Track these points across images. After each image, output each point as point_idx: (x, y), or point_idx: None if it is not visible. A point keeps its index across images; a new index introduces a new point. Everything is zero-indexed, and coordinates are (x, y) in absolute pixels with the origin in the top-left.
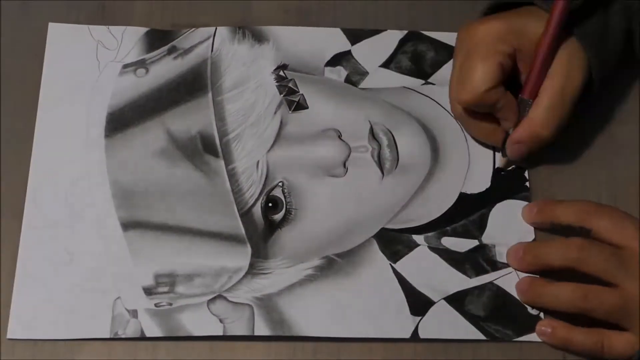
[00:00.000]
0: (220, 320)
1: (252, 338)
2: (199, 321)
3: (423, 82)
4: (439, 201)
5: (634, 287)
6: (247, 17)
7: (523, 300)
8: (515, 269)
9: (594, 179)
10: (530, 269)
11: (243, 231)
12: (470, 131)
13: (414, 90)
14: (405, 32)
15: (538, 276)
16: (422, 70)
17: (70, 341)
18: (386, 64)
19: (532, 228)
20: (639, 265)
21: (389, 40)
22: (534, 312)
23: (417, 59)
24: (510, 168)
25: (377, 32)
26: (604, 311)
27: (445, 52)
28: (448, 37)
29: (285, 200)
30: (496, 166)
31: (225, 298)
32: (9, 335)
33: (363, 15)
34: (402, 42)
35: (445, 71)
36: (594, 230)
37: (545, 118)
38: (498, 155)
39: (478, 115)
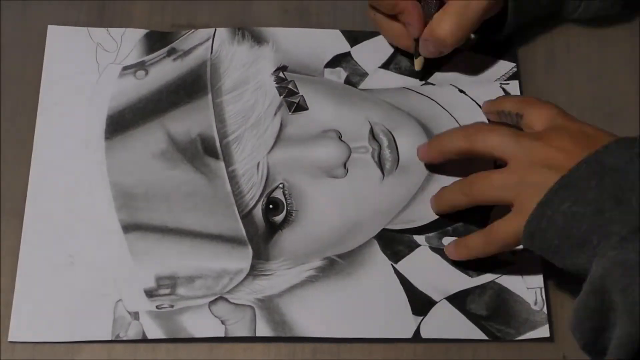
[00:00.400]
0: (222, 322)
1: (254, 339)
2: (201, 323)
3: (422, 82)
4: None
5: (521, 158)
6: (247, 17)
7: (433, 211)
8: (423, 161)
9: None
10: (435, 159)
11: (244, 233)
12: (383, 34)
13: (414, 90)
14: None
15: None
16: (421, 70)
17: (70, 342)
18: (386, 65)
19: None
20: (536, 138)
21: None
22: (536, 307)
23: None
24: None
25: (376, 33)
26: (490, 191)
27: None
28: None
29: (286, 202)
30: (415, 69)
31: (226, 299)
32: (10, 338)
33: (363, 16)
34: None
35: (445, 71)
36: (524, 117)
37: (447, 24)
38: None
39: (388, 17)
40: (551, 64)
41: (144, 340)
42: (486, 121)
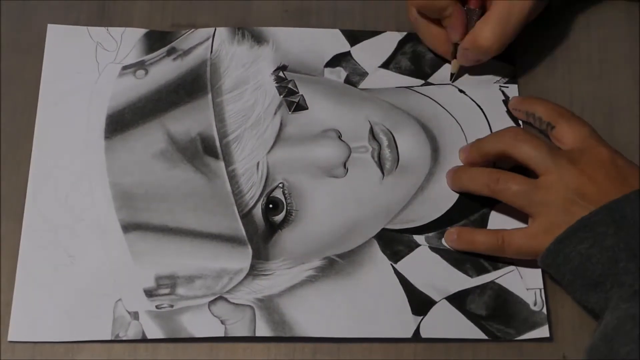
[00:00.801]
0: (222, 322)
1: (253, 339)
2: (200, 323)
3: (422, 82)
4: (439, 201)
5: (552, 176)
6: (247, 17)
7: (449, 184)
8: (464, 164)
9: None
10: (475, 161)
11: (244, 232)
12: (421, 37)
13: (414, 90)
14: (405, 33)
15: None
16: (421, 70)
17: (70, 343)
18: (386, 65)
19: None
20: (569, 159)
21: (388, 41)
22: (536, 308)
23: (417, 59)
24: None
25: (376, 33)
26: (511, 193)
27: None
28: None
29: (286, 202)
30: (450, 72)
31: (226, 299)
32: (10, 338)
33: (363, 16)
34: (402, 43)
35: (445, 71)
36: (555, 129)
37: (489, 32)
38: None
39: (430, 20)
40: (551, 64)
41: (144, 340)
42: (488, 119)
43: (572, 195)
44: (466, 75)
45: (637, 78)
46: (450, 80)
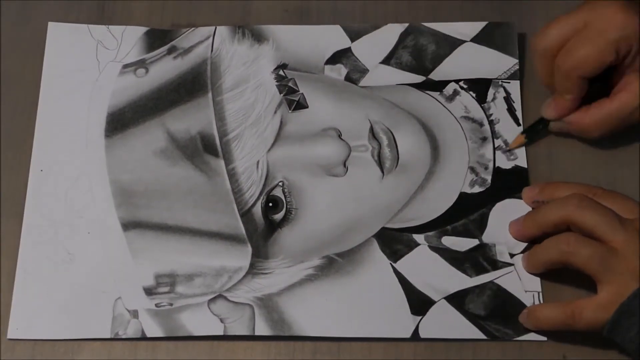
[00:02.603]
0: (221, 320)
1: (253, 338)
2: (200, 321)
3: (424, 78)
4: (439, 200)
5: (625, 243)
6: (247, 16)
7: (527, 268)
8: (517, 239)
9: (595, 178)
10: (530, 234)
11: (243, 231)
12: (539, 71)
13: (414, 88)
14: (406, 25)
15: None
16: (422, 65)
17: (70, 341)
18: (386, 60)
19: None
20: (636, 229)
21: (389, 34)
22: None
23: (418, 53)
24: (512, 158)
25: (377, 27)
26: (584, 258)
27: (446, 45)
28: (449, 28)
29: (286, 200)
30: (508, 147)
31: (225, 298)
32: (9, 336)
33: (363, 15)
34: (403, 36)
35: (446, 66)
36: None
37: (600, 124)
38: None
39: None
40: None
41: (144, 338)
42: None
43: None
44: (467, 69)
45: None
46: (504, 150)
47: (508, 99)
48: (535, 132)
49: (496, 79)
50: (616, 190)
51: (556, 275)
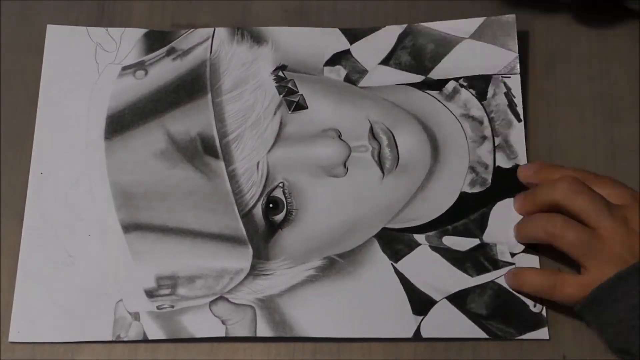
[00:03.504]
0: (223, 322)
1: (255, 339)
2: (201, 323)
3: (423, 77)
4: (439, 200)
5: (609, 230)
6: (247, 17)
7: (516, 237)
8: (519, 213)
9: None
10: (529, 210)
11: (244, 232)
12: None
13: (414, 87)
14: (404, 26)
15: None
16: (422, 65)
17: (71, 343)
18: (385, 61)
19: None
20: (624, 216)
21: (387, 36)
22: (536, 309)
23: (417, 53)
24: (512, 157)
25: (375, 29)
26: (569, 241)
27: (445, 43)
28: (448, 26)
29: (286, 201)
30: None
31: (227, 299)
32: (10, 339)
33: (363, 15)
34: (401, 37)
35: (446, 65)
36: None
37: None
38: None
39: None
40: (551, 64)
41: (145, 340)
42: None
43: (627, 254)
44: (466, 65)
45: (637, 78)
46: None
47: (508, 94)
48: None
49: (496, 74)
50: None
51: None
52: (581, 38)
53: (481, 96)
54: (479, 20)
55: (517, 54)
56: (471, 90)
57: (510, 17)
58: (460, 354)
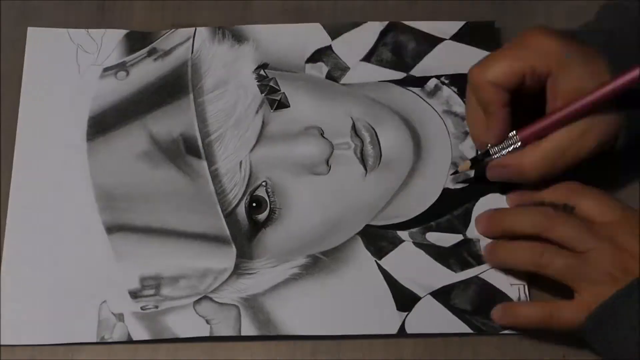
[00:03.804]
0: (207, 322)
1: (239, 338)
2: (186, 323)
3: (404, 74)
4: (422, 196)
5: (597, 252)
6: (247, 17)
7: (487, 261)
8: (483, 235)
9: (585, 174)
10: (497, 237)
11: (227, 232)
12: (466, 116)
13: (396, 84)
14: (386, 23)
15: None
16: (403, 62)
17: (64, 344)
18: (367, 58)
19: None
20: (610, 235)
21: (369, 32)
22: None
23: (398, 50)
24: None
25: (358, 24)
26: (557, 267)
27: (426, 42)
28: (429, 26)
29: (269, 200)
30: (453, 171)
31: (211, 299)
32: (3, 342)
33: (362, 16)
34: (383, 34)
35: (427, 63)
36: (577, 208)
37: (540, 159)
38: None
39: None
40: None
41: (129, 341)
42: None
43: (618, 272)
44: (449, 65)
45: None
46: (450, 174)
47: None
48: (478, 162)
49: None
50: (599, 182)
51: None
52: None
53: (463, 93)
54: (460, 24)
55: None
56: (453, 87)
57: (490, 22)
58: (460, 354)
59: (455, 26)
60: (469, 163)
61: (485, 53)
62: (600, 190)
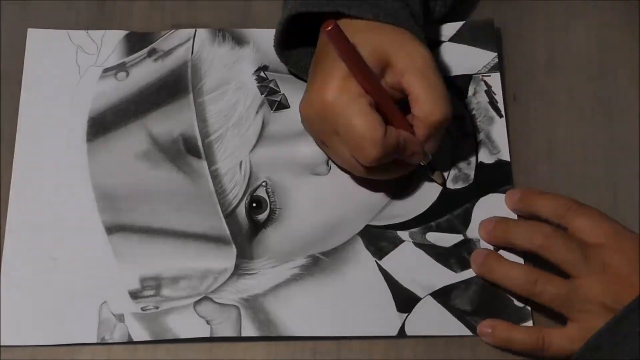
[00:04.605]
0: (207, 322)
1: (239, 339)
2: (186, 323)
3: None
4: (422, 196)
5: (589, 281)
6: (247, 17)
7: (475, 271)
8: (484, 240)
9: (582, 173)
10: (497, 244)
11: (228, 232)
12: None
13: None
14: None
15: (493, 250)
16: None
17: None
18: None
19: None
20: (603, 262)
21: None
22: (519, 304)
23: None
24: (495, 153)
25: None
26: (550, 296)
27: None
28: (427, 30)
29: (269, 200)
30: (440, 183)
31: (211, 299)
32: (3, 343)
33: None
34: None
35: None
36: (570, 229)
37: (429, 103)
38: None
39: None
40: (551, 64)
41: (130, 342)
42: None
43: (610, 302)
44: (446, 68)
45: (637, 78)
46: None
47: (489, 92)
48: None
49: (476, 73)
50: (599, 182)
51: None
52: (581, 38)
53: (462, 95)
54: (458, 24)
55: (497, 54)
56: (452, 89)
57: (489, 20)
58: (460, 354)
59: (453, 27)
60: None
61: (484, 52)
62: (593, 208)
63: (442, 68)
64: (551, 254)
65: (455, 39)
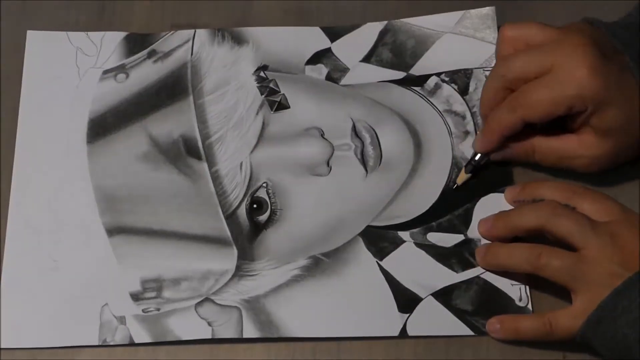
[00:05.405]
0: (209, 324)
1: (241, 340)
2: (187, 325)
3: (404, 74)
4: (423, 197)
5: (596, 251)
6: (247, 17)
7: (481, 264)
8: (485, 238)
9: (582, 173)
10: (501, 235)
11: (228, 233)
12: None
13: (396, 84)
14: (385, 22)
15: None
16: (403, 61)
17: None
18: (367, 59)
19: None
20: (611, 232)
21: (368, 33)
22: (521, 304)
23: (398, 49)
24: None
25: (356, 26)
26: (555, 268)
27: (426, 39)
28: (428, 21)
29: (270, 201)
30: (455, 184)
31: (212, 301)
32: (3, 345)
33: (362, 16)
34: (382, 34)
35: (427, 60)
36: (577, 209)
37: (541, 153)
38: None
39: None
40: None
41: (131, 344)
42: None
43: (617, 269)
44: (447, 60)
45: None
46: (454, 189)
47: None
48: (475, 165)
49: (477, 67)
50: (601, 180)
51: None
52: None
53: (463, 90)
54: (459, 14)
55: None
56: (453, 85)
57: (490, 10)
58: (460, 354)
59: (454, 17)
60: (464, 174)
61: (485, 44)
62: (601, 192)
63: (443, 62)
64: (558, 227)
65: (455, 29)
